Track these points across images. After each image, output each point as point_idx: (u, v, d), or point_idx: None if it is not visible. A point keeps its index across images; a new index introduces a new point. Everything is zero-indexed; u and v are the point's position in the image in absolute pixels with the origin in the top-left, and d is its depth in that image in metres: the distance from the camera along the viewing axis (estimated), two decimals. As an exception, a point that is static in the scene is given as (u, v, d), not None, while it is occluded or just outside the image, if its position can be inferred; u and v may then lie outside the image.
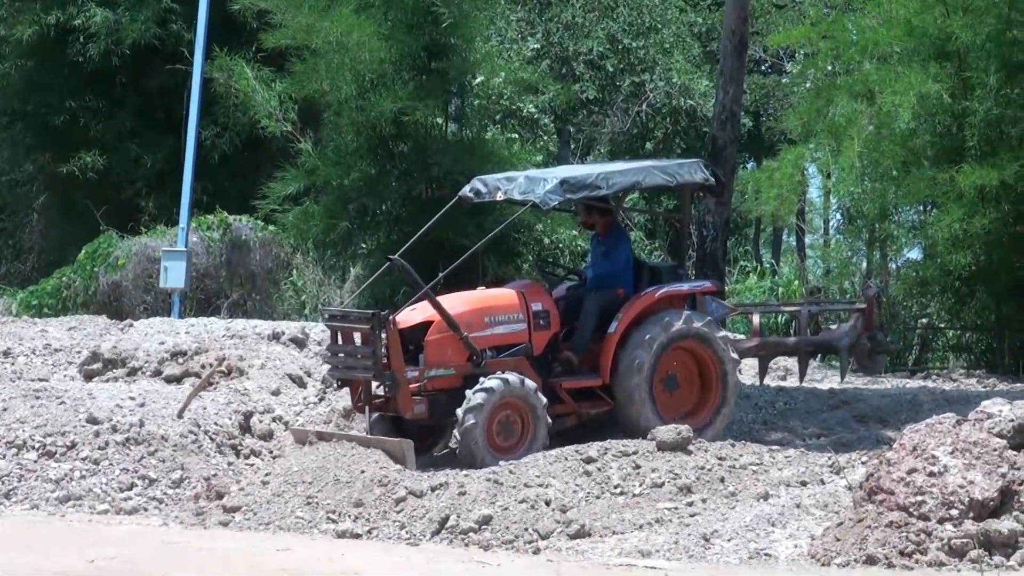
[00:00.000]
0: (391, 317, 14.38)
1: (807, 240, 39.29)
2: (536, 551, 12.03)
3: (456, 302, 14.84)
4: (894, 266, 25.07)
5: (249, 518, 13.05)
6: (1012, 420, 11.52)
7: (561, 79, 31.78)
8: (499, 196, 15.36)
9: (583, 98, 33.25)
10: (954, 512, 11.02)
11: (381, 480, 13.18)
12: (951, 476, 11.14)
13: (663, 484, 13.10)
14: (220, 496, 13.69)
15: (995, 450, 11.31)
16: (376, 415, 14.60)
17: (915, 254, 24.19)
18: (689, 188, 16.05)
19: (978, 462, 11.23)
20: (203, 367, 16.75)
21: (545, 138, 32.59)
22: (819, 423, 16.81)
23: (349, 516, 12.83)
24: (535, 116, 31.38)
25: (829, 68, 23.83)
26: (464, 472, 13.49)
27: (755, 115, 37.13)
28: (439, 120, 22.65)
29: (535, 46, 32.57)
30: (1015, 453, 11.36)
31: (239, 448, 15.19)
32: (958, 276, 22.11)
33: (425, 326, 14.59)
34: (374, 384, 14.54)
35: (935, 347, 23.76)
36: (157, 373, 16.90)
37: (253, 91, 23.61)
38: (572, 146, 35.51)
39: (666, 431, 13.88)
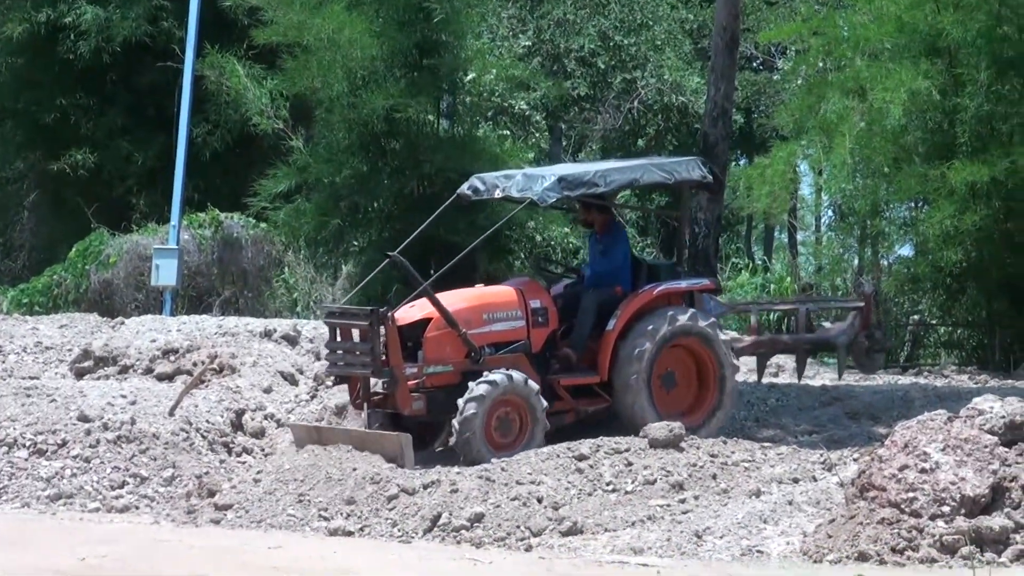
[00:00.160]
0: (390, 314, 14.41)
1: (799, 237, 39.35)
2: (528, 548, 12.02)
3: (455, 299, 14.89)
4: (886, 263, 25.08)
5: (241, 516, 13.04)
6: (1003, 417, 11.53)
7: (552, 76, 31.76)
8: (497, 194, 15.41)
9: (574, 95, 33.25)
10: (946, 509, 11.02)
11: (373, 478, 13.18)
12: (943, 473, 11.15)
13: (655, 481, 13.10)
14: (212, 494, 13.68)
15: (986, 447, 11.32)
16: (374, 412, 14.64)
17: (906, 251, 24.22)
18: (687, 186, 16.10)
19: (969, 459, 11.23)
20: (195, 365, 16.74)
21: (537, 135, 32.61)
22: (811, 420, 16.82)
23: (341, 514, 12.82)
24: (527, 113, 31.39)
25: (820, 65, 23.83)
26: (456, 470, 13.50)
27: (747, 112, 37.14)
28: (431, 117, 22.63)
29: (526, 43, 32.56)
30: (1006, 450, 11.37)
31: (231, 446, 15.19)
32: (949, 273, 22.13)
33: (424, 323, 14.64)
34: (372, 381, 14.57)
35: (927, 344, 23.79)
36: (149, 371, 16.89)
37: (244, 88, 23.60)
38: (564, 143, 35.53)
39: (658, 428, 13.89)
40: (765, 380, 18.40)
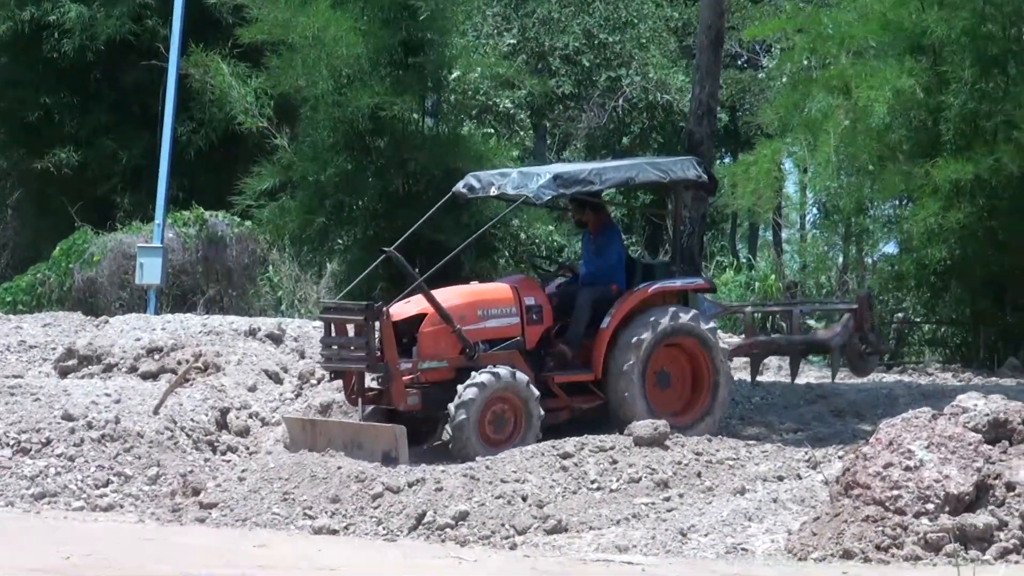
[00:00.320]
0: (385, 309, 14.45)
1: (783, 235, 39.32)
2: (513, 546, 12.02)
3: (449, 295, 14.99)
4: (870, 261, 25.10)
5: (226, 514, 13.03)
6: (987, 414, 11.55)
7: (537, 74, 31.76)
8: (493, 191, 15.54)
9: (559, 93, 33.24)
10: (930, 506, 11.04)
11: (358, 476, 13.17)
12: (927, 470, 11.16)
13: (640, 479, 13.11)
14: (196, 492, 13.67)
15: (970, 444, 11.34)
16: (369, 407, 14.68)
17: (891, 248, 24.23)
18: (682, 185, 16.19)
19: (954, 456, 11.25)
20: (179, 363, 16.72)
21: (521, 133, 32.57)
22: (796, 418, 16.83)
23: (326, 512, 12.81)
24: (511, 111, 31.34)
25: (805, 63, 23.83)
26: (441, 468, 13.50)
27: (732, 110, 37.15)
28: (416, 115, 22.61)
29: (511, 41, 32.54)
30: (990, 447, 11.39)
31: (216, 444, 15.17)
32: (933, 270, 22.14)
33: (419, 318, 14.71)
34: (367, 376, 14.60)
35: (911, 341, 23.80)
36: (133, 369, 16.87)
37: (229, 87, 23.55)
38: (548, 141, 35.51)
39: (643, 426, 13.91)
40: (739, 376, 18.40)
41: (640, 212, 35.06)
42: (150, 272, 22.98)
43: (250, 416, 15.78)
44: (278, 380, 16.73)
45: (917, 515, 11.03)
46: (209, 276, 25.01)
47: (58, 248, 25.26)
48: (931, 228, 20.92)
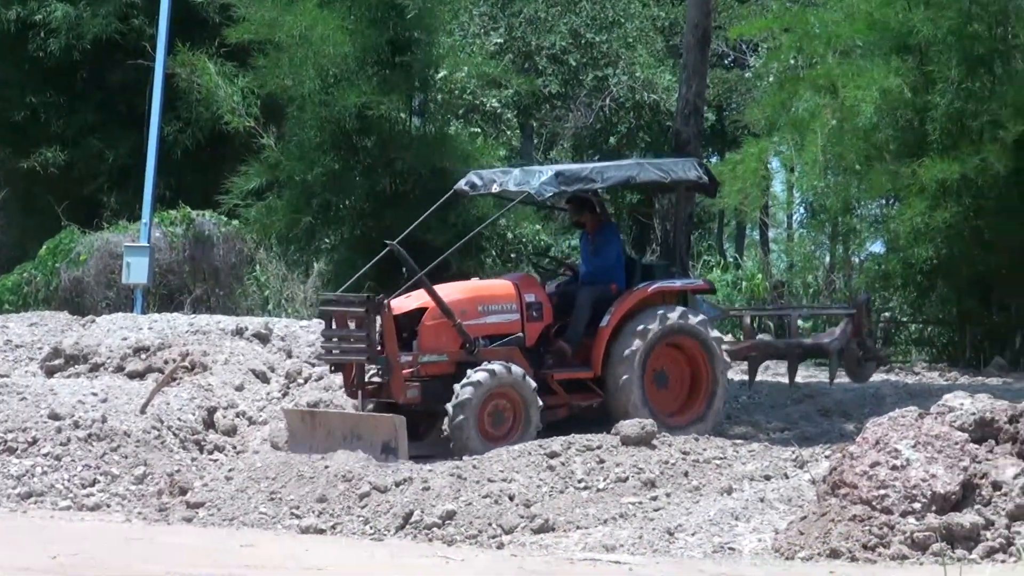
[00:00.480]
0: (386, 302, 14.48)
1: (771, 234, 39.34)
2: (500, 546, 12.02)
3: (451, 290, 15.11)
4: (857, 260, 25.12)
5: (213, 514, 13.02)
6: (974, 414, 11.57)
7: (524, 73, 31.74)
8: (494, 189, 15.68)
9: (546, 92, 33.23)
10: (916, 505, 11.05)
11: (345, 476, 13.16)
12: (913, 470, 11.17)
13: (627, 479, 13.10)
14: (183, 492, 13.65)
15: (957, 443, 11.35)
16: (369, 401, 14.71)
17: (877, 248, 24.26)
18: (682, 186, 16.26)
19: (940, 455, 11.26)
20: (166, 363, 16.70)
21: (508, 133, 32.54)
22: (783, 417, 16.85)
23: (313, 512, 12.81)
24: (498, 111, 31.32)
25: (792, 62, 23.87)
26: (428, 467, 13.49)
27: (718, 109, 37.16)
28: (403, 115, 22.61)
29: (498, 40, 32.52)
30: (977, 447, 11.40)
31: (203, 444, 15.15)
32: (920, 270, 22.17)
33: (419, 312, 14.79)
34: (367, 369, 14.61)
35: (897, 341, 23.82)
36: (120, 369, 16.84)
37: (216, 86, 23.53)
38: (535, 141, 35.49)
39: (630, 425, 13.91)
40: (736, 378, 18.42)
41: (627, 212, 35.05)
42: (137, 271, 22.93)
43: (237, 415, 15.76)
44: (265, 379, 16.71)
45: (904, 514, 11.04)
46: (196, 275, 24.98)
47: (44, 247, 25.21)
48: (917, 227, 20.95)
